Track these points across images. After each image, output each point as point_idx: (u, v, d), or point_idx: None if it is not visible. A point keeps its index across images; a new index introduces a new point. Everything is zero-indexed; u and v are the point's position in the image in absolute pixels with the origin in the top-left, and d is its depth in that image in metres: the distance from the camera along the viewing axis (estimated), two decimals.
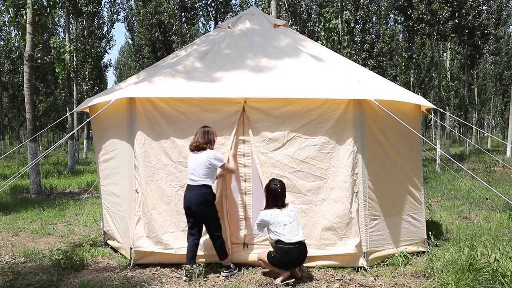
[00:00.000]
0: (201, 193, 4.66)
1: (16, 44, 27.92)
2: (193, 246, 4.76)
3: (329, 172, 5.00)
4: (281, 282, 4.51)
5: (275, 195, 4.64)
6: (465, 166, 17.24)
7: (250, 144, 5.07)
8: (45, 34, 26.99)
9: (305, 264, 5.00)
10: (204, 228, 4.86)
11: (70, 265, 5.05)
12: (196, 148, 4.75)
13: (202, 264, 4.95)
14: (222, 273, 4.79)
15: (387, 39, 30.54)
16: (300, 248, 4.55)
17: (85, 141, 29.36)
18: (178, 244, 5.06)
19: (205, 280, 4.66)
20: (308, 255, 4.71)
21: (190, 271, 4.65)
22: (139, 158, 5.13)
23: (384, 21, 29.49)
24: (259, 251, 4.95)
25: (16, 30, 24.01)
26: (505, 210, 8.28)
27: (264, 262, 4.67)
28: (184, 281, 4.62)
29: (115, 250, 5.83)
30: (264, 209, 4.69)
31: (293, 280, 4.55)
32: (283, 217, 4.57)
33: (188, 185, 4.77)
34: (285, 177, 4.96)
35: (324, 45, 11.49)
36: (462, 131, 38.92)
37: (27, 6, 10.68)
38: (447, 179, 12.81)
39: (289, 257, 4.51)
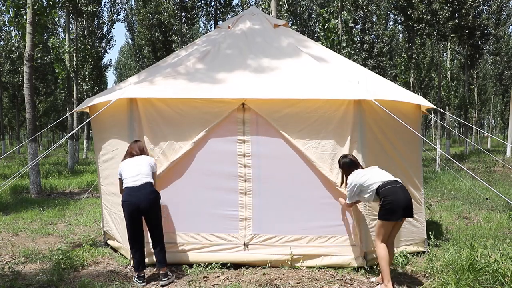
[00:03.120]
0: (151, 191, 4.61)
1: (16, 44, 27.90)
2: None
3: (333, 174, 5.00)
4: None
5: (351, 164, 4.65)
6: (465, 166, 17.24)
7: (250, 145, 5.07)
8: (45, 34, 26.98)
9: (305, 264, 5.01)
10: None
11: (70, 265, 5.05)
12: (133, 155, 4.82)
13: (202, 265, 4.96)
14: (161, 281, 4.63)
15: (387, 39, 30.55)
16: (402, 187, 4.27)
17: (85, 141, 29.34)
18: (179, 245, 5.06)
19: (205, 280, 4.67)
20: (310, 253, 4.71)
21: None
22: None
23: (383, 21, 29.47)
24: (260, 251, 4.95)
25: (16, 30, 23.98)
26: (505, 210, 8.28)
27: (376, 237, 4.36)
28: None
29: (115, 250, 5.83)
30: (346, 182, 4.65)
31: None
32: (368, 171, 4.54)
33: (131, 187, 4.61)
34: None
35: (323, 45, 11.49)
36: (462, 131, 38.92)
37: (27, 6, 10.68)
38: (447, 179, 12.81)
39: (399, 196, 4.16)
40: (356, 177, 4.51)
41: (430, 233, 5.80)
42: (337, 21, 15.63)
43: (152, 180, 4.68)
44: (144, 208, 4.54)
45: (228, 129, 5.07)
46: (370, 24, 27.61)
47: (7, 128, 40.60)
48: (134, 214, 4.55)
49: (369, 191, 4.38)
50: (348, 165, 4.68)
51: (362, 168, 4.69)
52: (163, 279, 4.61)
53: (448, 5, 19.54)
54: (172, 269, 5.02)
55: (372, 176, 4.42)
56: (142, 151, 4.85)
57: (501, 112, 44.92)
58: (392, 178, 4.37)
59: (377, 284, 4.51)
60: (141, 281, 4.62)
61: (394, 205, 4.17)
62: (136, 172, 4.63)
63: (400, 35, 33.96)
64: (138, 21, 30.45)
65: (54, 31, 29.46)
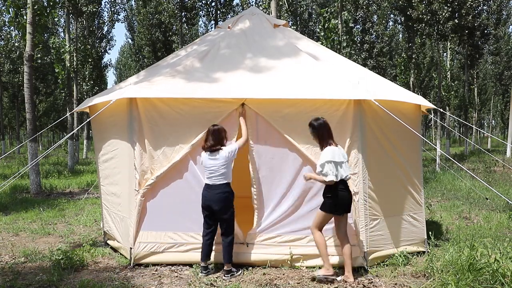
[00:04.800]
0: (222, 192, 4.71)
1: (16, 44, 27.89)
2: (207, 245, 4.83)
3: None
4: (322, 275, 4.53)
5: (327, 128, 4.59)
6: (465, 166, 17.24)
7: (252, 146, 5.06)
8: (45, 34, 26.97)
9: (305, 264, 5.01)
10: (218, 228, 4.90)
11: (70, 265, 5.05)
12: (210, 149, 4.76)
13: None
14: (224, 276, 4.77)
15: (387, 39, 30.53)
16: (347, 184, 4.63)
17: (85, 141, 29.34)
18: (179, 244, 5.07)
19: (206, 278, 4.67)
20: (310, 253, 4.73)
21: (205, 266, 4.79)
22: (139, 159, 5.12)
23: (384, 21, 29.46)
24: (260, 251, 4.96)
25: (16, 30, 23.98)
26: (505, 210, 8.28)
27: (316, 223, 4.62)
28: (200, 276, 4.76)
29: (115, 250, 5.83)
30: (322, 150, 4.58)
31: (334, 277, 4.54)
32: (339, 156, 4.54)
33: (207, 184, 4.78)
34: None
35: (324, 45, 11.49)
36: (462, 131, 38.90)
37: (27, 6, 10.68)
38: (447, 179, 12.81)
39: (346, 193, 4.56)
40: (333, 155, 4.48)
41: (430, 233, 5.80)
42: (337, 21, 15.63)
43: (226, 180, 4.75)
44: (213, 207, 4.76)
45: (228, 129, 5.06)
46: (370, 24, 27.60)
47: (7, 128, 40.59)
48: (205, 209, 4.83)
49: (333, 177, 4.45)
50: (326, 129, 4.58)
51: (334, 141, 4.63)
52: (225, 275, 4.74)
53: (448, 5, 19.53)
54: (172, 269, 5.03)
55: (343, 168, 4.54)
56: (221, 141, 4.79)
57: (501, 112, 44.90)
58: (348, 172, 4.60)
59: (343, 281, 4.58)
60: (203, 272, 4.79)
61: (340, 201, 4.52)
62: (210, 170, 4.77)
63: (400, 35, 33.97)
64: (138, 21, 30.47)
65: (54, 31, 29.46)
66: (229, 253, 4.79)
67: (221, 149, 4.75)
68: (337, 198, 4.51)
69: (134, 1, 32.34)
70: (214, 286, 4.52)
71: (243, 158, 5.28)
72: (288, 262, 5.01)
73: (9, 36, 28.36)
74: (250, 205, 5.18)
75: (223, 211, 4.73)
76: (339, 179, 4.49)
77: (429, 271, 4.77)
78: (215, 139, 4.74)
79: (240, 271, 4.85)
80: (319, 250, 4.63)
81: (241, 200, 6.04)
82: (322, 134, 4.59)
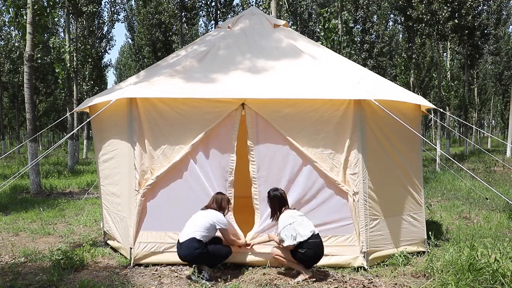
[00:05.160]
0: (191, 247, 4.58)
1: (16, 44, 27.90)
2: None
3: (333, 173, 5.00)
4: (302, 280, 4.55)
5: (281, 199, 4.76)
6: (465, 166, 17.24)
7: (252, 146, 5.06)
8: (45, 34, 26.97)
9: None
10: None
11: (70, 265, 5.05)
12: (206, 207, 4.84)
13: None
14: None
15: (387, 39, 30.51)
16: (320, 241, 4.65)
17: (85, 141, 29.34)
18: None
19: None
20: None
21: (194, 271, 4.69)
22: (139, 159, 5.12)
23: (384, 21, 29.45)
24: (261, 251, 4.95)
25: (16, 30, 23.97)
26: (505, 210, 8.28)
27: (284, 257, 4.66)
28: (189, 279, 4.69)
29: (115, 250, 5.83)
30: (271, 218, 4.81)
31: (314, 280, 4.60)
32: (298, 216, 4.65)
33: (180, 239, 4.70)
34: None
35: (324, 45, 11.49)
36: (462, 131, 38.90)
37: (27, 6, 10.68)
38: (447, 179, 12.81)
39: (318, 250, 4.59)
40: (290, 218, 4.60)
41: (430, 233, 5.80)
42: (337, 21, 15.63)
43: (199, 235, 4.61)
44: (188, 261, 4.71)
45: (228, 129, 5.06)
46: (370, 24, 27.59)
47: (7, 128, 40.59)
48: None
49: (297, 239, 4.51)
50: (279, 199, 4.77)
51: (288, 206, 4.79)
52: (197, 274, 4.67)
53: (448, 5, 19.53)
54: (172, 269, 5.02)
55: (303, 224, 4.58)
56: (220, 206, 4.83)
57: (501, 112, 44.89)
58: (315, 230, 4.62)
59: (303, 280, 4.61)
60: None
61: (313, 258, 4.61)
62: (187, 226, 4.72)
63: (400, 35, 33.96)
64: (138, 21, 30.45)
65: (54, 31, 29.45)
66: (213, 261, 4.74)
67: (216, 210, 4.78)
68: (307, 256, 4.56)
69: (134, 1, 32.35)
70: (214, 286, 4.52)
71: (243, 158, 5.28)
72: None
73: (9, 36, 28.37)
74: (250, 205, 5.18)
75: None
76: (300, 240, 4.50)
77: (429, 271, 4.77)
78: (214, 204, 4.82)
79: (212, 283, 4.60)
80: (285, 261, 4.68)
81: (241, 200, 6.05)
82: (274, 204, 4.79)
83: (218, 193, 4.92)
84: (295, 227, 4.54)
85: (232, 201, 5.08)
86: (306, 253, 4.53)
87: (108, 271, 5.00)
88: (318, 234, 4.64)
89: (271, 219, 4.89)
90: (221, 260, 4.81)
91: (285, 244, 4.56)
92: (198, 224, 4.65)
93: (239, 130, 5.11)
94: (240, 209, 5.63)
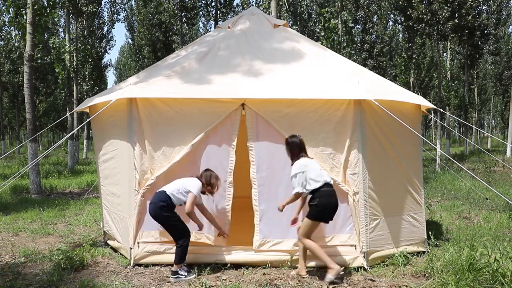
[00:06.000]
0: (159, 197, 4.72)
1: (16, 44, 27.91)
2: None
3: (333, 173, 5.00)
4: (334, 276, 4.49)
5: (300, 145, 4.71)
6: (465, 166, 17.24)
7: (252, 146, 5.06)
8: (45, 34, 26.97)
9: (305, 265, 5.01)
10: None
11: (70, 265, 5.05)
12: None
13: (202, 265, 4.96)
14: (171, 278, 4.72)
15: (387, 39, 30.51)
16: (334, 191, 4.61)
17: (85, 141, 29.34)
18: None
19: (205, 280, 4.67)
20: (310, 253, 4.73)
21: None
22: (139, 159, 5.12)
23: (384, 21, 29.46)
24: (261, 252, 4.94)
25: (16, 30, 23.98)
26: (505, 210, 8.28)
27: (304, 234, 4.62)
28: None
29: (115, 250, 5.83)
30: (292, 163, 4.71)
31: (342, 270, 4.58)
32: (314, 164, 4.64)
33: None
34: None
35: (324, 45, 11.49)
36: (462, 131, 38.91)
37: (27, 6, 10.67)
38: (447, 179, 12.81)
39: (331, 199, 4.53)
40: (302, 167, 4.57)
41: (430, 233, 5.80)
42: (337, 21, 15.62)
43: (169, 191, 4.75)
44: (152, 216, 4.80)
45: (228, 129, 5.06)
46: (370, 24, 27.59)
47: (7, 128, 40.60)
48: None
49: (308, 187, 4.53)
50: (297, 146, 4.71)
51: (307, 154, 4.74)
52: (171, 276, 4.73)
53: (448, 5, 19.54)
54: (172, 269, 5.02)
55: (315, 172, 4.56)
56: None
57: (501, 112, 44.90)
58: (328, 179, 4.59)
59: (297, 275, 4.69)
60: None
61: (327, 208, 4.54)
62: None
63: (400, 35, 33.96)
64: (138, 21, 30.46)
65: (54, 31, 29.46)
66: (179, 254, 4.73)
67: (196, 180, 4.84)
68: (321, 206, 4.53)
69: (134, 1, 32.36)
70: (214, 286, 4.52)
71: (243, 158, 5.28)
72: (288, 262, 5.01)
73: (9, 36, 28.38)
74: (250, 205, 5.17)
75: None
76: (309, 188, 4.52)
77: (429, 271, 4.77)
78: (206, 180, 4.86)
79: (192, 276, 4.73)
80: (316, 255, 4.59)
81: (241, 200, 6.05)
82: (293, 150, 4.74)
83: (206, 170, 4.93)
84: (306, 175, 4.54)
85: (231, 201, 5.08)
86: (319, 203, 4.48)
87: (108, 271, 5.00)
88: (331, 183, 4.60)
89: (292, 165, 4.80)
90: (182, 236, 4.74)
91: (294, 191, 4.56)
92: (173, 184, 4.81)
93: (239, 130, 5.11)
94: (240, 209, 5.64)
